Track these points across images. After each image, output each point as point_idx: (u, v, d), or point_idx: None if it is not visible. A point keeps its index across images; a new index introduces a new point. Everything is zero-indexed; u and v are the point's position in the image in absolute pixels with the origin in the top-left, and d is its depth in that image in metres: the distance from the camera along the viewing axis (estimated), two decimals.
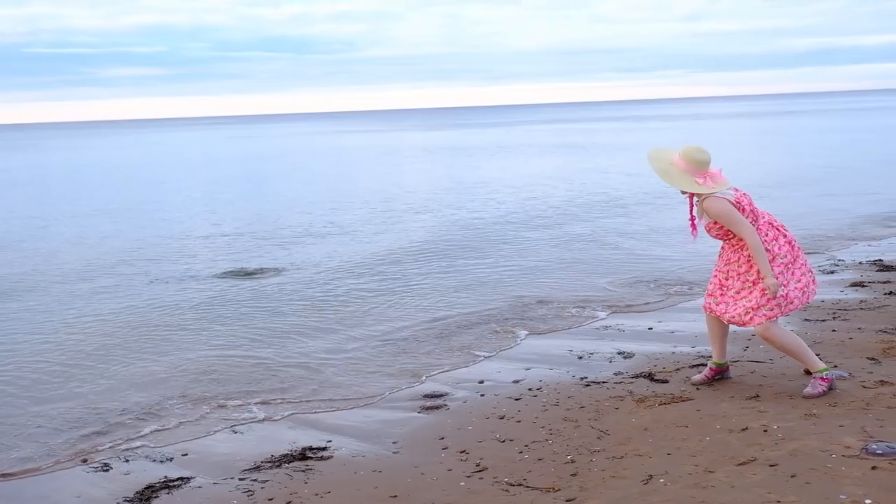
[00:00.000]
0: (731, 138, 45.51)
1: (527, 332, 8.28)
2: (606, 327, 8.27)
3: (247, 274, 11.95)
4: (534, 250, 13.11)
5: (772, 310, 5.62)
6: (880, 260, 10.57)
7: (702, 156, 5.69)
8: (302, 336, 8.50)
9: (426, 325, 8.72)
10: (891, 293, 8.65)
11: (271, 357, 7.78)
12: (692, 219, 5.92)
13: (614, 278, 10.68)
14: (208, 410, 6.41)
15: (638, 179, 23.27)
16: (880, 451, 4.63)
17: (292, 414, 6.26)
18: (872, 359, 6.41)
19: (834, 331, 7.31)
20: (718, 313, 5.87)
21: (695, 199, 5.83)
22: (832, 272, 10.07)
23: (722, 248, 5.91)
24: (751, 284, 5.68)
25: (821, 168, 25.32)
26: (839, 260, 10.80)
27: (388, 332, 8.52)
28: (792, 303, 5.69)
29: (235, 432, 5.94)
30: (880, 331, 7.20)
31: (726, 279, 5.81)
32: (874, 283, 9.26)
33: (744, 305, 5.68)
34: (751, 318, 5.67)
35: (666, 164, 5.75)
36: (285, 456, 5.36)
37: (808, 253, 10.61)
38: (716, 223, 5.69)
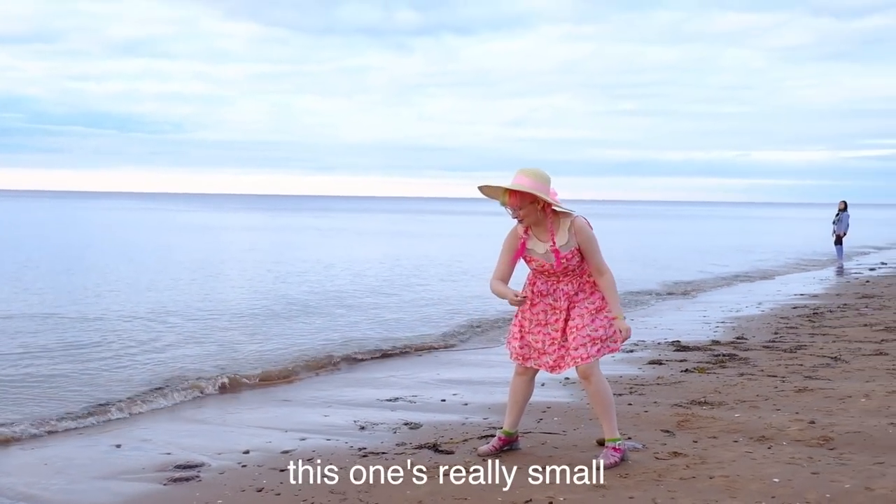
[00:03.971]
0: None
1: (310, 401, 7.55)
2: (397, 398, 7.64)
3: None
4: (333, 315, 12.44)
5: (615, 342, 5.21)
6: (678, 341, 10.53)
7: (546, 173, 5.15)
8: (36, 391, 7.45)
9: (193, 387, 7.87)
10: (687, 370, 8.50)
11: None
12: (518, 254, 5.26)
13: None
14: None
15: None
16: None
17: (13, 480, 5.23)
18: (667, 431, 6.07)
19: (630, 404, 6.98)
20: (558, 369, 5.28)
21: (534, 230, 5.22)
22: (631, 351, 9.89)
23: (548, 288, 5.29)
24: (594, 311, 5.20)
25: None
26: (640, 339, 10.68)
27: (144, 390, 7.70)
28: (616, 341, 5.27)
29: None
30: (675, 405, 6.93)
31: (568, 319, 5.23)
32: (671, 361, 9.12)
33: (589, 335, 5.15)
34: (598, 350, 5.16)
35: (525, 185, 5.06)
36: None
37: None
38: (577, 250, 5.17)
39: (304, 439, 6.23)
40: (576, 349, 5.19)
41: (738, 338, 10.75)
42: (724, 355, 9.34)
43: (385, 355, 10.22)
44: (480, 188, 5.26)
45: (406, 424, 6.58)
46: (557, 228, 5.19)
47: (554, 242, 5.17)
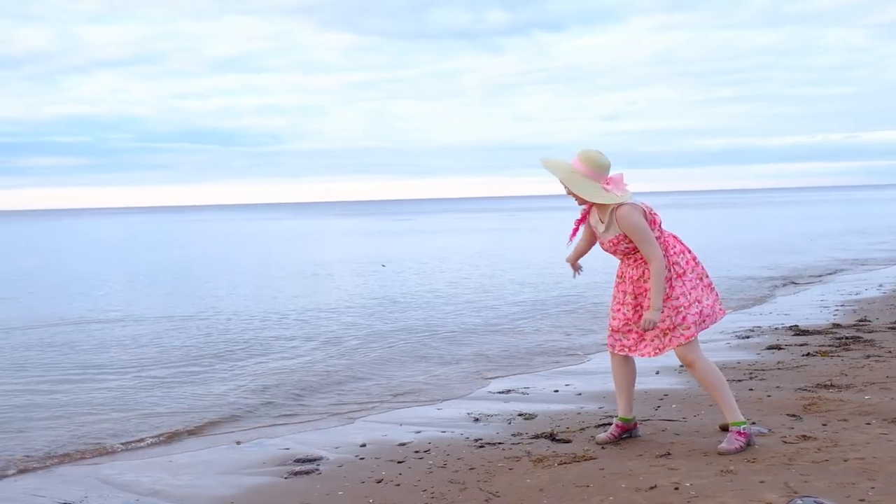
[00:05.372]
0: None
1: (423, 399, 7.55)
2: (508, 391, 7.57)
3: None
4: (443, 316, 12.44)
5: (688, 329, 5.04)
6: (796, 325, 10.15)
7: (603, 159, 5.11)
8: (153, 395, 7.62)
9: (313, 387, 7.95)
10: (808, 354, 8.17)
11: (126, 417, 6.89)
12: (579, 223, 5.32)
13: (512, 342, 10.02)
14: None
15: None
16: None
17: (139, 478, 5.38)
18: (793, 415, 5.84)
19: (751, 389, 6.74)
20: (634, 352, 5.22)
21: (595, 207, 5.21)
22: (747, 337, 9.56)
23: (622, 270, 5.26)
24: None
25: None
26: (755, 325, 10.34)
27: (269, 394, 7.73)
28: (704, 321, 5.13)
29: None
30: (799, 388, 6.66)
31: (637, 305, 5.16)
32: (791, 346, 8.78)
33: (658, 327, 5.07)
34: (670, 340, 5.06)
35: (566, 171, 5.11)
36: None
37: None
38: (625, 237, 5.08)
39: (419, 432, 6.21)
40: (652, 340, 5.14)
41: (860, 320, 10.31)
42: (847, 338, 8.96)
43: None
44: (544, 163, 5.22)
45: (520, 415, 6.50)
46: (605, 214, 5.14)
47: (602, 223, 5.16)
